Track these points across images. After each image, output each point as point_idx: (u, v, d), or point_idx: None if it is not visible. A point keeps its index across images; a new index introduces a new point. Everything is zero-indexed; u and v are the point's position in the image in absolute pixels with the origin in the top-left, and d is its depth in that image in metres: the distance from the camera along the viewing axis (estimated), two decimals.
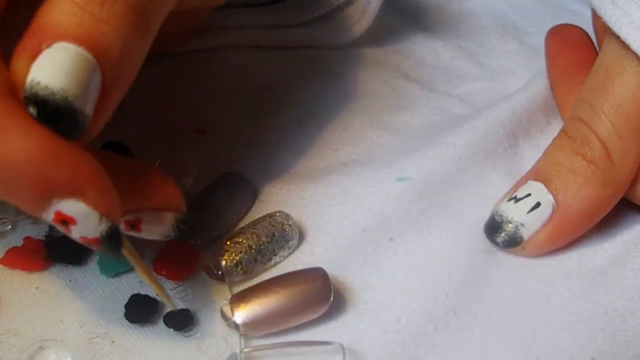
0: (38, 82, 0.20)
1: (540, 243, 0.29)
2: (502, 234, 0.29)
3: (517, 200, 0.29)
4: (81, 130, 0.21)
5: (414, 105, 0.37)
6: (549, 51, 0.37)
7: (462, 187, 0.32)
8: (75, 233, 0.22)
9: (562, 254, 0.29)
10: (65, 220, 0.21)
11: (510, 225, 0.29)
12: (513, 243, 0.29)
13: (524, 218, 0.28)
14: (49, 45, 0.21)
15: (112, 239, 0.22)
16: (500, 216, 0.29)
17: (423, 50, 0.41)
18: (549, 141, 0.30)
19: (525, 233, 0.28)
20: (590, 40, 0.35)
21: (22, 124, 0.20)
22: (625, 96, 0.28)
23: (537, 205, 0.28)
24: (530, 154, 0.33)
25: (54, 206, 0.21)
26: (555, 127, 0.33)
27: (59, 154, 0.21)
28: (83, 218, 0.21)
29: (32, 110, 0.20)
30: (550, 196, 0.28)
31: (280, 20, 0.39)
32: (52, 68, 0.20)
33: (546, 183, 0.29)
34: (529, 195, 0.28)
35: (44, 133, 0.20)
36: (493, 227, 0.29)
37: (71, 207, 0.21)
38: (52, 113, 0.20)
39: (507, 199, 0.29)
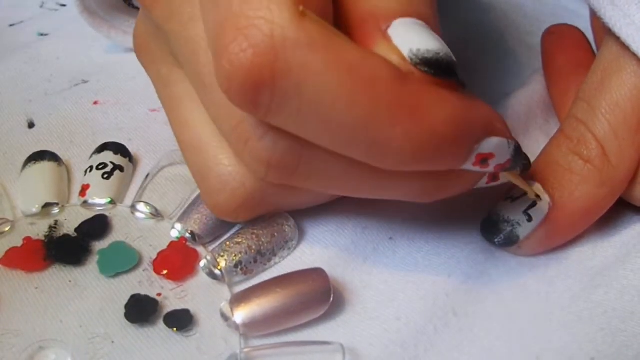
0: (418, 49, 0.22)
1: (536, 242, 0.29)
2: (499, 234, 0.29)
3: (513, 199, 0.29)
4: (460, 76, 0.22)
5: None
6: (545, 52, 0.37)
7: None
8: (492, 164, 0.24)
9: (561, 253, 0.29)
10: (486, 158, 0.23)
11: (506, 224, 0.29)
12: (509, 242, 0.29)
13: (520, 217, 0.28)
14: (388, 26, 0.22)
15: (518, 154, 0.24)
16: (497, 215, 0.29)
17: None
18: (548, 140, 0.30)
19: (522, 232, 0.28)
20: (587, 40, 0.35)
21: (432, 95, 0.22)
22: (622, 95, 0.28)
23: (534, 204, 0.28)
24: (529, 152, 0.33)
25: (475, 151, 0.23)
26: (553, 126, 0.33)
27: (469, 105, 0.22)
28: (498, 149, 0.23)
29: (429, 71, 0.22)
30: (547, 195, 0.28)
31: None
32: (417, 36, 0.22)
33: (543, 182, 0.29)
34: (525, 194, 0.28)
35: (450, 94, 0.22)
36: (489, 227, 0.29)
37: (488, 144, 0.23)
38: (446, 69, 0.22)
39: (503, 198, 0.29)
